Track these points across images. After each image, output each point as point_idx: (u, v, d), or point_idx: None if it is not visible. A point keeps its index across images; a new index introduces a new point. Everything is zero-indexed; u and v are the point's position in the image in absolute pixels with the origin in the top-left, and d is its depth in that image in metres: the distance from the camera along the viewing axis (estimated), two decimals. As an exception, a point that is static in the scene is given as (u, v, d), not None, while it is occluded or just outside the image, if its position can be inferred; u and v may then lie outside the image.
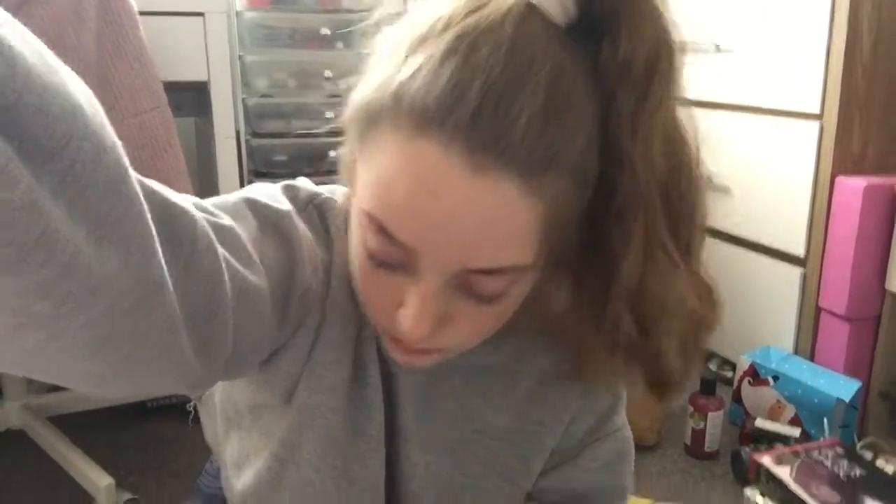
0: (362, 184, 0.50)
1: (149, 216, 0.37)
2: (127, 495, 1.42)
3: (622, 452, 0.71)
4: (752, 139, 1.88)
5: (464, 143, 0.44)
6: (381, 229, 0.48)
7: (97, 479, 1.41)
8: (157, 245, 0.38)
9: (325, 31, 1.85)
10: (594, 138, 0.48)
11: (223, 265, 0.45)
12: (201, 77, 1.57)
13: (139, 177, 0.38)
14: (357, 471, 0.64)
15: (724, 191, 1.97)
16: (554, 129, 0.45)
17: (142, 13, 1.36)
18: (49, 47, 0.34)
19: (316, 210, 0.60)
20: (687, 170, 0.51)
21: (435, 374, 0.64)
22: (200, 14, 1.54)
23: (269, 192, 0.58)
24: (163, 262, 0.38)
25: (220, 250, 0.45)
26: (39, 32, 0.33)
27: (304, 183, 0.62)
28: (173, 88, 1.45)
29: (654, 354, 0.54)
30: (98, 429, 1.74)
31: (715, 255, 2.13)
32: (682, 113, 0.50)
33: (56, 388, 1.73)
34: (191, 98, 1.77)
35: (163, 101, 1.40)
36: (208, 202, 0.51)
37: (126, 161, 0.36)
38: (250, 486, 0.68)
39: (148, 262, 0.37)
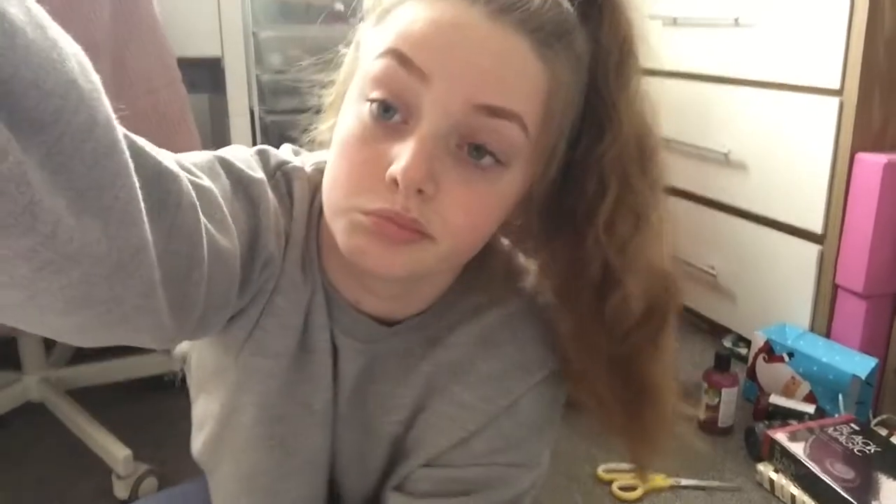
0: (373, 45, 0.53)
1: (137, 184, 0.38)
2: (144, 466, 1.44)
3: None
4: (771, 115, 1.85)
5: (487, 2, 0.50)
6: (398, 57, 0.50)
7: (115, 451, 1.43)
8: (143, 211, 0.39)
9: (340, 6, 1.83)
10: (586, 55, 0.54)
11: (202, 226, 0.47)
12: (215, 53, 1.56)
13: (133, 138, 0.40)
14: (299, 443, 0.64)
15: (741, 167, 1.95)
16: (566, 12, 0.53)
17: (156, -12, 1.36)
18: (63, 22, 0.34)
19: (283, 177, 0.61)
20: (655, 134, 0.57)
21: (377, 357, 0.63)
22: (214, -11, 1.53)
23: (243, 157, 0.59)
24: (147, 226, 0.40)
25: (200, 211, 0.47)
26: (54, 8, 0.33)
27: (277, 149, 0.64)
28: (187, 64, 1.44)
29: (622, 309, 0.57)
30: (116, 402, 1.76)
31: (731, 231, 2.11)
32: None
33: (74, 362, 1.75)
34: (205, 74, 1.76)
35: (177, 78, 1.40)
36: (186, 160, 0.52)
37: (118, 134, 0.37)
38: (200, 448, 0.69)
39: (127, 231, 0.38)
